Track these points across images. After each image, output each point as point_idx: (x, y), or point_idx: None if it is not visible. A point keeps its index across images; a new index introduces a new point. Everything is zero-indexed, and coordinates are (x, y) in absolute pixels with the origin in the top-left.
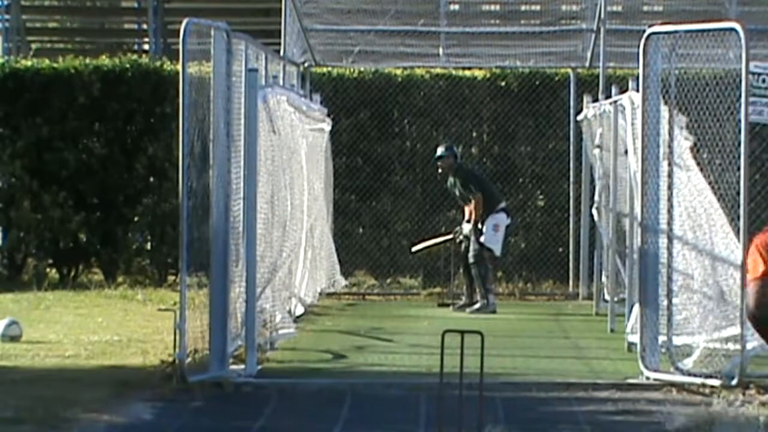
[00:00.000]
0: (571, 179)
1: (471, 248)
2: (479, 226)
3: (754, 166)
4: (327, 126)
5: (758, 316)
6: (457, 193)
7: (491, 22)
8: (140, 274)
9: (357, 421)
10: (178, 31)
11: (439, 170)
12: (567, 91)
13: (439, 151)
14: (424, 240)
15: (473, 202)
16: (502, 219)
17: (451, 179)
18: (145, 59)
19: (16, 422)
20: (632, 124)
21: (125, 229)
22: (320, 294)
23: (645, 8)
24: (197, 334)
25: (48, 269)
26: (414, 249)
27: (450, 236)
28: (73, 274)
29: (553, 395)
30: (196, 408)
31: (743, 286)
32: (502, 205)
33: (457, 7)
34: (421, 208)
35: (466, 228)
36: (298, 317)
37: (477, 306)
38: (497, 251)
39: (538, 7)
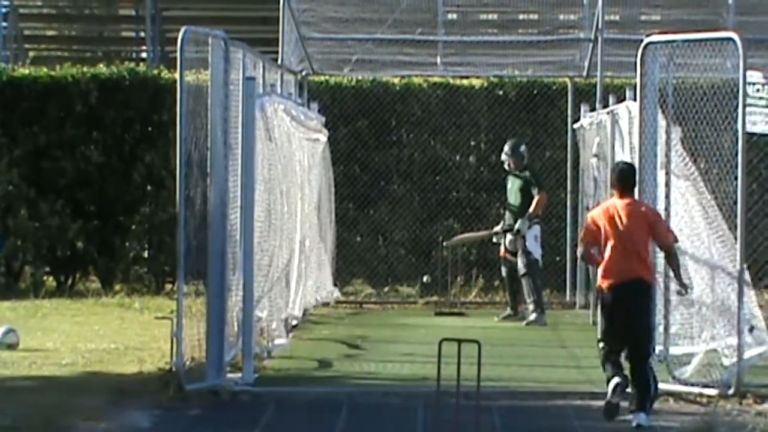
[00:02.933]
0: (569, 188)
1: (520, 260)
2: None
3: (751, 175)
4: (323, 136)
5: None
6: (512, 197)
7: (489, 31)
8: (137, 282)
9: (354, 430)
10: (176, 39)
11: (506, 166)
12: (565, 101)
13: (506, 148)
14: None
15: (537, 198)
16: (538, 230)
17: (510, 181)
18: (142, 67)
19: (14, 430)
20: (629, 133)
21: (123, 238)
22: (315, 304)
23: (642, 18)
24: (194, 342)
25: (45, 277)
26: (447, 243)
27: (486, 233)
28: (70, 282)
29: (549, 404)
30: (193, 416)
31: (741, 295)
32: (536, 219)
33: (454, 16)
34: (418, 216)
35: (508, 237)
36: (293, 327)
37: (532, 318)
38: (540, 261)
39: (535, 17)
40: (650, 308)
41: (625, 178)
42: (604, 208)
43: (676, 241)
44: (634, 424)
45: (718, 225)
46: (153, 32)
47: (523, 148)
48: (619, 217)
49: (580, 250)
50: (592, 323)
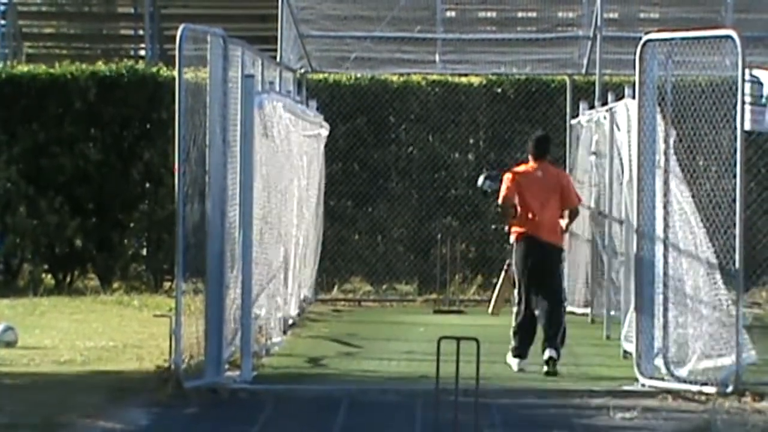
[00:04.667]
0: None
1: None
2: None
3: (750, 173)
4: (325, 131)
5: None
6: None
7: (488, 28)
8: (136, 279)
9: (353, 428)
10: (175, 37)
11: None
12: (563, 98)
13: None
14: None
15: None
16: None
17: None
18: (141, 65)
19: (12, 428)
20: (628, 131)
21: (121, 235)
22: (310, 301)
23: (641, 15)
24: (193, 340)
25: (44, 275)
26: (491, 311)
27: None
28: (69, 279)
29: (548, 402)
30: (192, 414)
31: (739, 293)
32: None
33: (453, 13)
34: (416, 214)
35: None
36: (291, 325)
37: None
38: None
39: (534, 14)
40: (559, 260)
41: (540, 145)
42: (521, 170)
43: (580, 202)
44: (546, 356)
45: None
46: (152, 30)
47: (480, 181)
48: (534, 178)
49: (500, 209)
50: (591, 321)
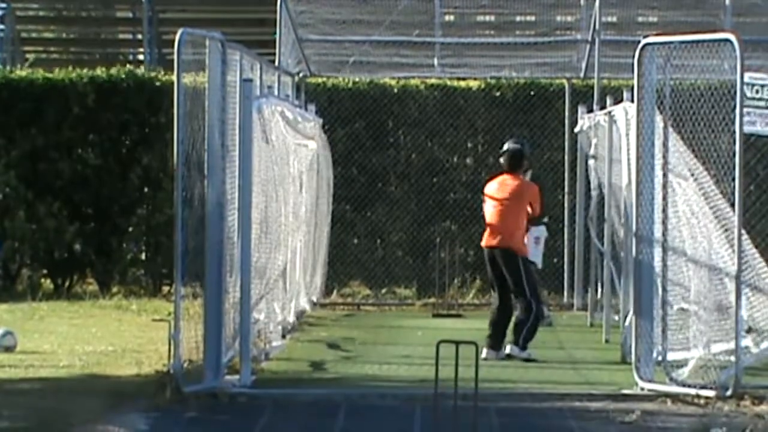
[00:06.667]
0: (566, 190)
1: None
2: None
3: (749, 176)
4: (313, 143)
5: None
6: None
7: (486, 32)
8: (135, 284)
9: None
10: (173, 41)
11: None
12: (562, 102)
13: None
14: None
15: None
16: (542, 231)
17: None
18: (139, 69)
19: None
20: (627, 134)
21: (120, 240)
22: (311, 305)
23: (640, 19)
24: (192, 344)
25: (42, 279)
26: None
27: None
28: (67, 284)
29: (547, 406)
30: (191, 419)
31: (738, 297)
32: (545, 219)
33: (452, 17)
34: (415, 218)
35: None
36: (290, 329)
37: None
38: (539, 264)
39: (532, 18)
40: (518, 264)
41: (511, 159)
42: (493, 182)
43: (542, 214)
44: (507, 350)
45: (722, 226)
46: (150, 34)
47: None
48: (501, 190)
49: None
50: (590, 325)
